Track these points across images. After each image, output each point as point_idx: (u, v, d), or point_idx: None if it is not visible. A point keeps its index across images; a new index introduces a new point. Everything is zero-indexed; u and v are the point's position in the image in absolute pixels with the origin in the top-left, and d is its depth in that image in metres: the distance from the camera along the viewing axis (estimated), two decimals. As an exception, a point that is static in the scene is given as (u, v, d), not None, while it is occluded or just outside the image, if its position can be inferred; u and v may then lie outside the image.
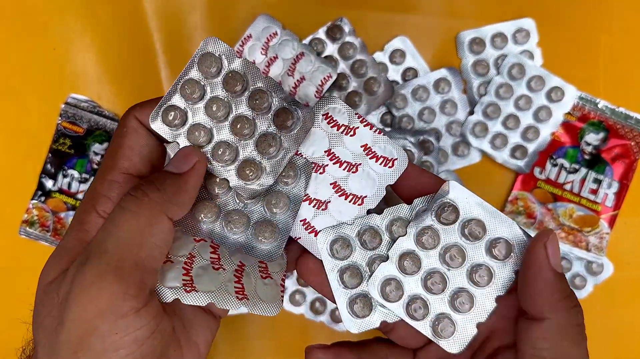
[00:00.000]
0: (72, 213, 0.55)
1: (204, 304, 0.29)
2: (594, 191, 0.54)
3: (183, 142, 0.31)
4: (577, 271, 0.54)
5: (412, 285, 0.31)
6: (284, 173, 0.32)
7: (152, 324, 0.26)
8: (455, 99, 0.54)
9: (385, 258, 0.31)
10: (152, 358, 0.26)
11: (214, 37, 0.31)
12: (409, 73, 0.55)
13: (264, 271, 0.33)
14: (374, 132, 0.32)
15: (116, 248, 0.26)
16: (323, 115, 0.33)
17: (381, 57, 0.54)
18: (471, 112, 0.54)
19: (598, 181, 0.54)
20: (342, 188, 0.32)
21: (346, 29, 0.52)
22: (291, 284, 0.55)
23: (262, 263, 0.33)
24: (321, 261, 0.32)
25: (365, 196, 0.32)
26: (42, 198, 0.54)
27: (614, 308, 0.54)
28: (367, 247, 0.32)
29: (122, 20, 0.53)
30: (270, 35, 0.50)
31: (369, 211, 0.32)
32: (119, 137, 0.31)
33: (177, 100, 0.31)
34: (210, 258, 0.31)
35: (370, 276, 0.31)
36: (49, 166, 0.54)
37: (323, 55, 0.53)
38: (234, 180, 0.31)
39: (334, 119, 0.32)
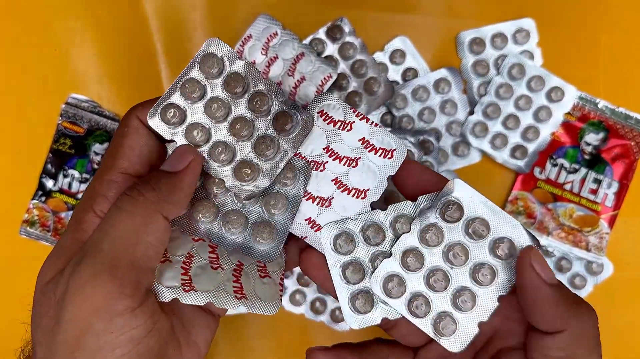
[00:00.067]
0: (72, 213, 0.55)
1: (202, 304, 0.29)
2: (594, 191, 0.54)
3: (181, 140, 0.31)
4: (577, 271, 0.54)
5: (415, 282, 0.31)
6: (282, 175, 0.32)
7: (149, 323, 0.26)
8: (455, 99, 0.54)
9: (389, 255, 0.31)
10: (150, 357, 0.26)
11: (216, 38, 0.31)
12: (409, 74, 0.55)
13: (263, 270, 0.33)
14: (371, 124, 0.32)
15: (111, 248, 0.26)
16: (318, 112, 0.33)
17: (381, 57, 0.54)
18: (471, 112, 0.54)
19: (598, 181, 0.54)
20: (343, 183, 0.32)
21: (346, 29, 0.52)
22: (291, 284, 0.55)
23: (260, 263, 0.33)
24: (324, 256, 0.32)
25: (368, 189, 0.32)
26: (43, 198, 0.54)
27: (614, 308, 0.54)
28: (371, 243, 0.32)
29: (122, 20, 0.53)
30: (270, 36, 0.50)
31: (372, 206, 0.32)
32: (119, 137, 0.31)
33: (177, 98, 0.31)
34: (209, 257, 0.31)
35: (372, 272, 0.31)
36: (49, 166, 0.54)
37: (323, 56, 0.53)
38: (230, 181, 0.31)
39: (330, 116, 0.32)
